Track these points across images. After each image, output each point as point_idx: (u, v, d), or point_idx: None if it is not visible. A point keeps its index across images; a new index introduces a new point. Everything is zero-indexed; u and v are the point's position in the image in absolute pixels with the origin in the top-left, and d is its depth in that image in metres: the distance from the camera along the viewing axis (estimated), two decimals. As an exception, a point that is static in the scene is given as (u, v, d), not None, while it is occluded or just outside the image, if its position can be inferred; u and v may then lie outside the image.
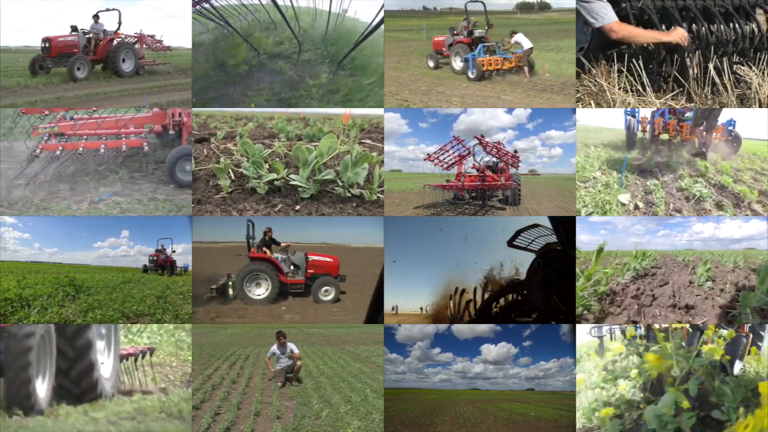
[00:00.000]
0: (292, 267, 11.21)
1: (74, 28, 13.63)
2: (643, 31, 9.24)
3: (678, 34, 9.17)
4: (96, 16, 13.79)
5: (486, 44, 12.26)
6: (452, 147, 11.57)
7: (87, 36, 13.83)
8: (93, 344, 8.01)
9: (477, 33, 12.59)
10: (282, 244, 11.18)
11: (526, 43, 12.05)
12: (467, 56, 12.07)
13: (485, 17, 12.78)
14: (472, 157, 12.15)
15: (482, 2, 12.60)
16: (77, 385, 7.85)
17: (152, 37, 14.78)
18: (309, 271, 11.22)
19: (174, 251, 13.06)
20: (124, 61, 13.75)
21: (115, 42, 14.03)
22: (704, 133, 12.09)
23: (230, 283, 10.85)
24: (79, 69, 13.19)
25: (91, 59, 13.76)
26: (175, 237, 11.98)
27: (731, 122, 12.80)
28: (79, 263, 11.68)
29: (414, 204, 11.51)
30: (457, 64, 12.37)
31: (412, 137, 11.64)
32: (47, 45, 13.54)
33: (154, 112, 11.66)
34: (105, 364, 8.52)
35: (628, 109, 9.78)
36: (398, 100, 10.61)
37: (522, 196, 12.26)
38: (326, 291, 11.05)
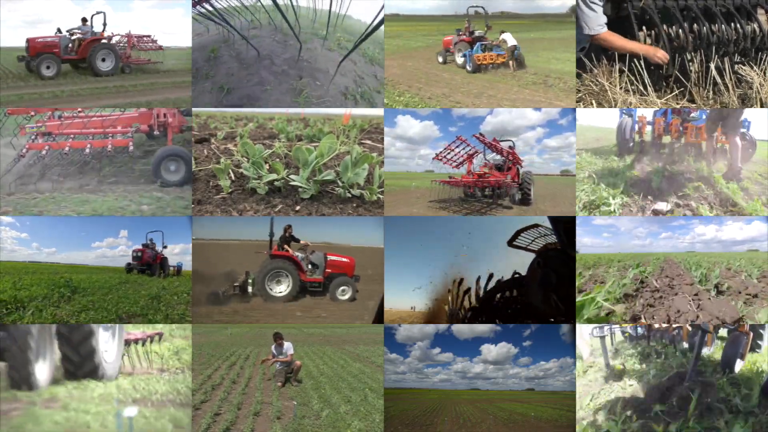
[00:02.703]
0: (310, 266, 11.42)
1: (59, 30, 14.06)
2: (624, 42, 9.28)
3: (657, 54, 9.20)
4: (84, 20, 14.22)
5: (483, 43, 13.48)
6: (457, 146, 11.78)
7: (75, 37, 14.27)
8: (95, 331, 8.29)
9: (477, 33, 13.69)
10: (301, 242, 11.33)
11: (511, 41, 13.42)
12: (465, 52, 13.43)
13: (485, 20, 13.81)
14: (483, 155, 12.35)
15: (482, 7, 13.58)
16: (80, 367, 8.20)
17: (148, 37, 14.92)
18: (327, 270, 11.48)
19: (165, 247, 12.91)
20: (104, 60, 14.21)
21: (102, 42, 14.43)
22: (723, 137, 11.05)
23: (250, 280, 11.01)
24: (48, 68, 13.70)
25: (73, 58, 14.32)
26: (174, 237, 11.93)
27: (745, 123, 11.64)
28: (77, 263, 11.66)
29: (429, 198, 11.82)
30: (459, 59, 13.59)
31: (443, 141, 11.98)
32: (27, 45, 13.93)
33: (140, 112, 11.79)
34: (108, 350, 8.78)
35: (624, 108, 9.59)
36: (451, 102, 11.34)
37: (536, 196, 12.11)
38: (343, 291, 11.31)
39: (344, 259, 11.61)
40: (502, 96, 11.71)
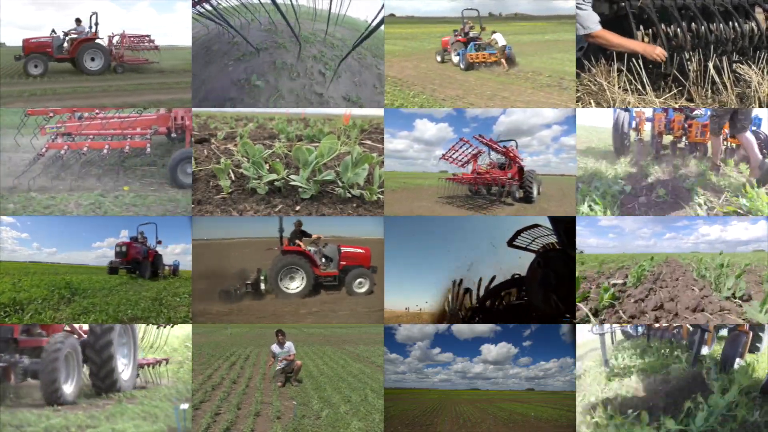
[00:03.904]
0: (323, 259, 11.28)
1: (53, 31, 14.45)
2: (622, 40, 9.27)
3: (655, 51, 9.17)
4: (78, 20, 14.46)
5: (477, 43, 14.11)
6: (461, 147, 11.96)
7: (69, 37, 14.55)
8: (114, 356, 9.47)
9: (471, 34, 14.30)
10: (313, 236, 11.20)
11: (501, 41, 14.05)
12: (459, 51, 14.06)
13: (479, 22, 14.39)
14: (488, 154, 12.50)
15: (476, 10, 14.26)
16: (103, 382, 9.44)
17: (146, 36, 15.05)
18: (342, 263, 11.33)
19: (159, 242, 12.35)
20: (93, 59, 14.46)
21: (92, 42, 14.68)
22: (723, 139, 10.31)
23: (262, 277, 10.94)
24: (36, 66, 14.10)
25: (66, 58, 14.62)
26: (175, 237, 11.87)
27: (755, 121, 10.80)
28: (78, 263, 11.66)
29: (439, 195, 12.02)
30: (455, 58, 14.23)
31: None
32: (22, 44, 14.28)
33: (159, 114, 11.89)
34: (125, 369, 9.98)
35: (622, 107, 9.41)
36: (465, 103, 11.51)
37: (548, 196, 12.04)
38: (360, 283, 11.19)
39: (359, 250, 11.47)
40: (515, 98, 11.77)
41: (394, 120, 10.39)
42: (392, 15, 12.28)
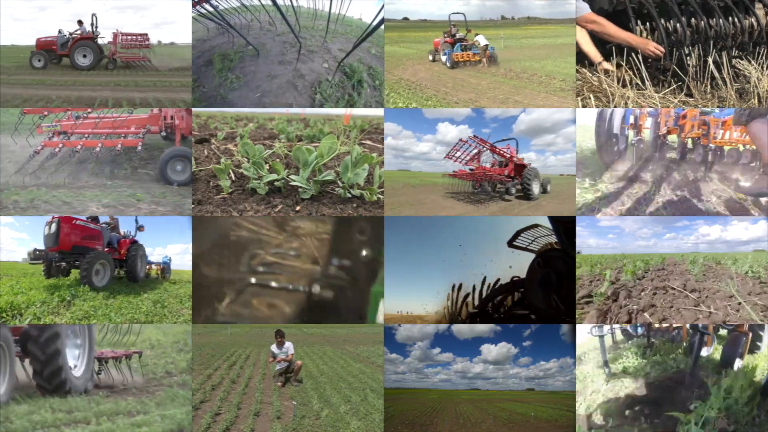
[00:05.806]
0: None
1: (60, 30, 15.33)
2: (618, 31, 9.26)
3: (648, 46, 9.13)
4: (80, 22, 15.27)
5: (463, 44, 14.86)
6: (460, 147, 12.14)
7: (72, 36, 15.40)
8: (61, 351, 8.48)
9: (458, 36, 15.04)
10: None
11: (483, 42, 14.93)
12: (446, 51, 14.81)
13: (465, 25, 14.94)
14: (491, 153, 12.70)
15: (463, 14, 14.87)
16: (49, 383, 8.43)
17: (144, 35, 15.43)
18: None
19: (141, 228, 11.32)
20: (85, 56, 15.39)
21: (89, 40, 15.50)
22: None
23: None
24: (39, 60, 15.23)
25: (65, 54, 15.52)
26: (175, 237, 11.80)
27: None
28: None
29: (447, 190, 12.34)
30: (443, 57, 14.98)
31: (475, 142, 12.47)
32: (35, 42, 15.31)
33: (151, 113, 12.07)
34: (77, 366, 9.06)
35: (622, 104, 8.33)
36: (477, 107, 11.73)
37: (564, 196, 11.90)
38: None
39: None
40: (528, 102, 11.73)
41: (419, 124, 11.12)
42: (406, 18, 12.57)
